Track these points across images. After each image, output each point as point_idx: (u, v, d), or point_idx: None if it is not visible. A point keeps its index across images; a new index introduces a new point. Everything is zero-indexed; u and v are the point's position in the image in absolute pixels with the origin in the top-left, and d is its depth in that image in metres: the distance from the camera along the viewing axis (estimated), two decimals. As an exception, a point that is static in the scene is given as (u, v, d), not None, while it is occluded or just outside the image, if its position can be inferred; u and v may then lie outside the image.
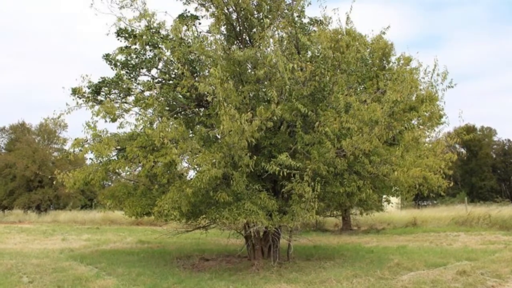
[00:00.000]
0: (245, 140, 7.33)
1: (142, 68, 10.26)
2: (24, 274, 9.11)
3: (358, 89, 9.85)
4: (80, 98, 9.92)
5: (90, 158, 9.93)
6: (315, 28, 10.42)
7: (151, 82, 10.20)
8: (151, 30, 9.99)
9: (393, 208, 21.65)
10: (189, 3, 10.34)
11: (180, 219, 9.40)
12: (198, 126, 9.47)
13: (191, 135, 9.04)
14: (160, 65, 10.33)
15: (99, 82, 10.13)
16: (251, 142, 7.49)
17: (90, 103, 9.81)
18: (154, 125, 8.74)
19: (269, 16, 9.34)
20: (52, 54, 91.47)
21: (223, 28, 10.28)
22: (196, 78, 9.09)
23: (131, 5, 9.67)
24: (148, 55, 10.18)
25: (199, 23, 10.35)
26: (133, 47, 10.15)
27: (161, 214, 8.23)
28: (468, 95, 75.44)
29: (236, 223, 8.57)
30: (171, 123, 8.12)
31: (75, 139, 9.33)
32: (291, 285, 7.80)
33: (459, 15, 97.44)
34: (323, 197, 8.89)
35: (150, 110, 9.37)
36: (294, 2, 9.74)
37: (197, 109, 10.15)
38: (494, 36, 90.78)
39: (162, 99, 9.46)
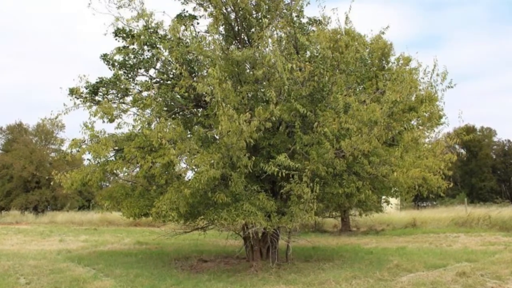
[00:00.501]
0: (243, 140, 7.28)
1: (140, 68, 10.22)
2: (21, 275, 9.05)
3: (357, 89, 9.80)
4: (77, 98, 9.90)
5: (87, 159, 9.90)
6: (314, 28, 10.38)
7: (149, 82, 10.15)
8: (149, 30, 9.94)
9: (392, 209, 21.59)
10: (187, 3, 10.32)
11: (178, 220, 9.35)
12: (196, 126, 9.41)
13: (189, 136, 8.99)
14: (158, 65, 10.29)
15: (96, 82, 10.09)
16: (249, 143, 7.44)
17: (88, 104, 9.75)
18: (152, 126, 8.68)
19: (268, 16, 9.30)
20: (52, 54, 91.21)
21: (221, 28, 10.25)
22: (194, 78, 9.05)
23: (129, 5, 9.63)
24: (146, 55, 10.14)
25: (197, 23, 10.34)
26: (131, 47, 10.10)
27: (159, 215, 8.17)
28: (468, 95, 75.40)
29: (234, 224, 8.54)
30: (169, 123, 8.07)
31: (73, 140, 9.27)
32: (290, 286, 7.75)
33: (459, 15, 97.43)
34: (322, 198, 8.85)
35: (148, 111, 9.32)
36: (293, 2, 9.71)
37: (195, 110, 10.09)
38: (494, 36, 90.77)
39: (160, 99, 9.42)
